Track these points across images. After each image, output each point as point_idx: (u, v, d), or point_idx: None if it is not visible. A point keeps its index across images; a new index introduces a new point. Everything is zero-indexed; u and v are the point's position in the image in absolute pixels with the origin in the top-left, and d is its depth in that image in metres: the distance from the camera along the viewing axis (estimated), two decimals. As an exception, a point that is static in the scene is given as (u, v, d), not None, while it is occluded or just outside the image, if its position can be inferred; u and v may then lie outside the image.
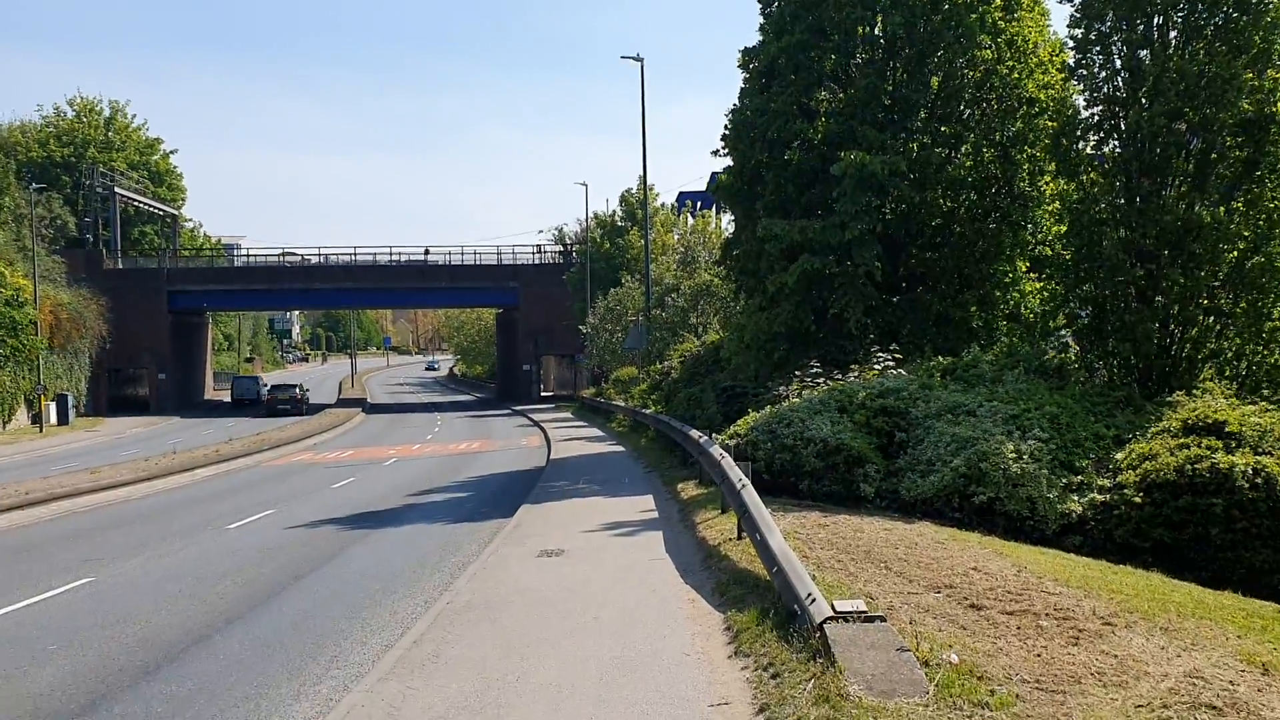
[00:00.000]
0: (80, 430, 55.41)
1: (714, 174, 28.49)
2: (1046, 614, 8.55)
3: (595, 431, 39.13)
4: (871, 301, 22.45)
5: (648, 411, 32.11)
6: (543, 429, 42.75)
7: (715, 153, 26.48)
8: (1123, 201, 20.09)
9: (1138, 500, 14.55)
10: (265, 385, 79.45)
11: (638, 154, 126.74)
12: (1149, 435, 15.97)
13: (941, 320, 23.30)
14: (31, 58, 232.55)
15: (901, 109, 24.20)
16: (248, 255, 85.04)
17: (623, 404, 40.17)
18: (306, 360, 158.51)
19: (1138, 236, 19.47)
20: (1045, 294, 23.34)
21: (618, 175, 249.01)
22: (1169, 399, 17.18)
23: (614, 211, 68.71)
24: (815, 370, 20.14)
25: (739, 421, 18.28)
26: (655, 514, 16.36)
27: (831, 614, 6.98)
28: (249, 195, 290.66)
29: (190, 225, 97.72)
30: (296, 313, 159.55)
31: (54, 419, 56.33)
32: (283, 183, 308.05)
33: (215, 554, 15.48)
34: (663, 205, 67.50)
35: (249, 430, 47.86)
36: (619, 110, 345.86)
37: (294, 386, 71.43)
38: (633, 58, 41.12)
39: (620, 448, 31.23)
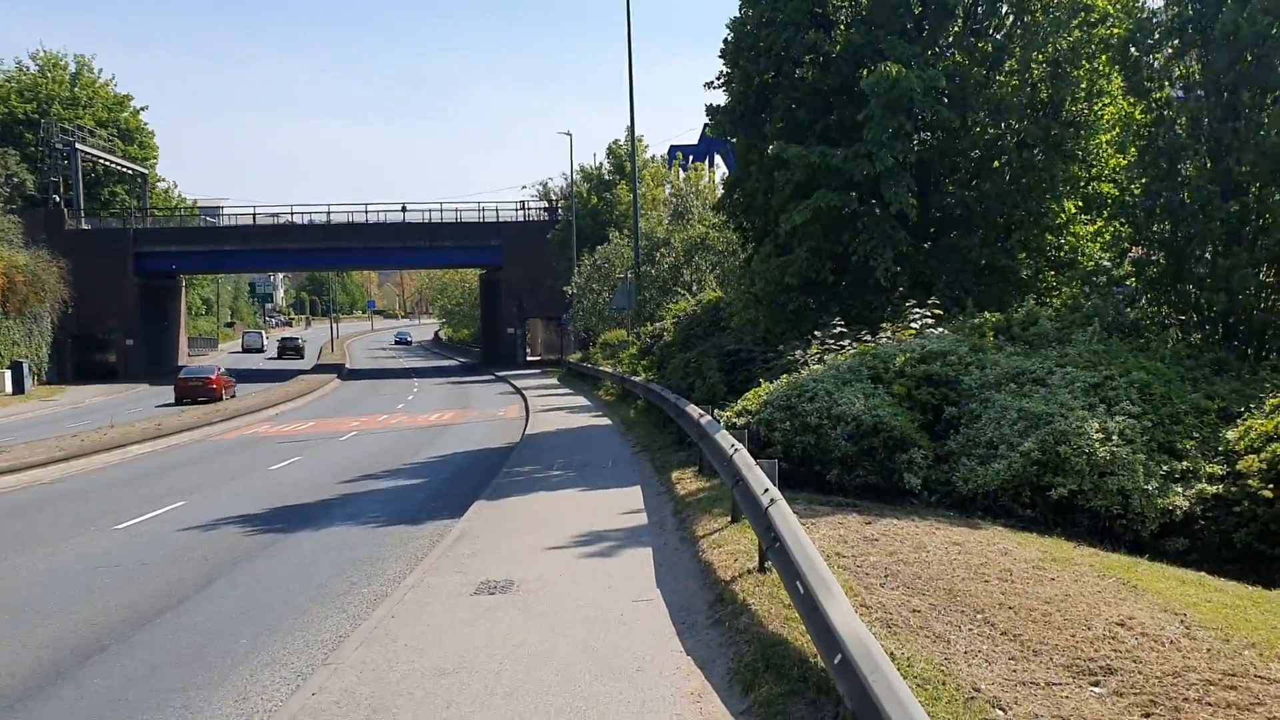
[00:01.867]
0: (36, 400, 51.74)
1: (707, 110, 24.09)
2: (1306, 740, 4.99)
3: (580, 400, 35.53)
4: (902, 247, 18.69)
5: (637, 379, 28.43)
6: (524, 397, 39.14)
7: (709, 84, 22.46)
8: (1209, 122, 16.71)
9: (1267, 494, 11.46)
10: (267, 339, 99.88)
11: (626, 116, 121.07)
12: (1267, 409, 12.71)
13: (983, 270, 19.59)
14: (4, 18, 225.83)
15: (932, 19, 20.39)
16: (224, 217, 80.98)
17: (610, 370, 36.65)
18: (290, 324, 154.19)
19: (1229, 164, 16.23)
20: (1106, 237, 19.75)
21: (606, 135, 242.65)
22: (1282, 364, 13.94)
23: (601, 164, 64.65)
24: (838, 329, 16.55)
25: (748, 394, 14.66)
26: (644, 518, 12.61)
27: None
28: (235, 159, 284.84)
29: (164, 185, 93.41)
30: (280, 276, 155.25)
31: (9, 388, 52.64)
32: (270, 146, 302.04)
33: (67, 573, 11.85)
34: (653, 158, 63.28)
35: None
36: (608, 73, 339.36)
37: (296, 338, 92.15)
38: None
39: (606, 420, 27.61)
